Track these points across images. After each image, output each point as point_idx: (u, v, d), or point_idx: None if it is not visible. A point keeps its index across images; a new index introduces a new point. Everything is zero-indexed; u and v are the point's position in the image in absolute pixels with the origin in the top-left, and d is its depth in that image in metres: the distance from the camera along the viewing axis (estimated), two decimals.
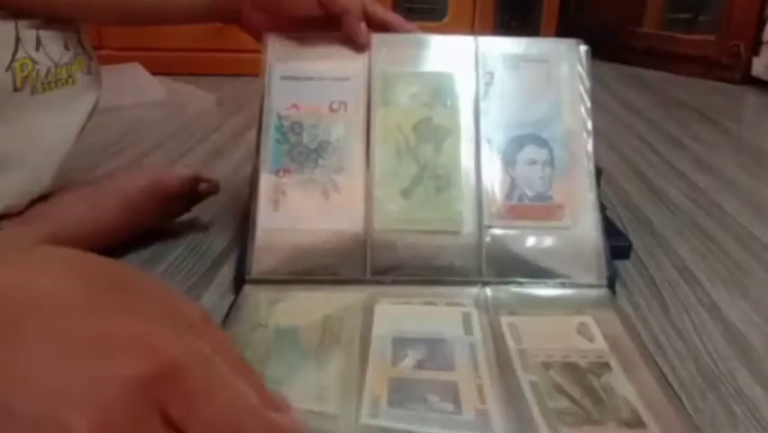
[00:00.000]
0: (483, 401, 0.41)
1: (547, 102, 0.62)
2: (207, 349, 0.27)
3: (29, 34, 0.56)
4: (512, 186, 0.60)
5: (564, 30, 1.61)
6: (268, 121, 0.61)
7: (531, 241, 0.58)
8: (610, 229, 0.58)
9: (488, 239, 0.57)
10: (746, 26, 1.59)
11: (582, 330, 0.50)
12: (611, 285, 0.56)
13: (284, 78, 0.62)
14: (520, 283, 0.56)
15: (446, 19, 1.60)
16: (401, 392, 0.42)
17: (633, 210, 0.78)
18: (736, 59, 1.60)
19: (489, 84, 0.62)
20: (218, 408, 0.26)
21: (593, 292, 0.56)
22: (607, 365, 0.46)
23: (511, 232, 0.58)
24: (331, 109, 0.61)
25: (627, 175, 0.91)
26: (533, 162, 0.60)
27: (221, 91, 1.34)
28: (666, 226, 0.74)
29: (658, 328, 0.53)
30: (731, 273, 0.63)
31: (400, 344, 0.48)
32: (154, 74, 1.32)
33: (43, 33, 0.57)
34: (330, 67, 0.62)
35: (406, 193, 0.59)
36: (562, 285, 0.56)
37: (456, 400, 0.41)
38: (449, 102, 0.62)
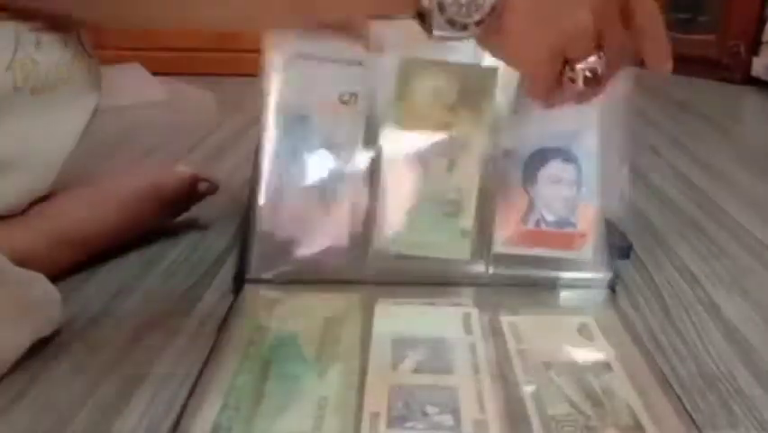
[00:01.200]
0: (483, 410, 0.41)
1: (581, 110, 0.51)
2: None
3: (29, 34, 0.56)
4: (529, 207, 0.54)
5: None
6: (274, 112, 0.55)
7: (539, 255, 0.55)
8: (610, 229, 0.58)
9: (493, 266, 0.55)
10: (746, 26, 1.59)
11: (583, 330, 0.50)
12: (611, 285, 0.56)
13: (292, 57, 0.55)
14: (520, 284, 0.56)
15: None
16: (400, 403, 0.41)
17: (633, 210, 0.78)
18: (736, 59, 1.60)
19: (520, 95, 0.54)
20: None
21: (593, 292, 0.56)
22: (607, 366, 0.46)
23: (520, 260, 0.55)
24: (341, 101, 0.55)
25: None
26: (557, 180, 0.54)
27: (221, 91, 1.34)
28: (666, 226, 0.73)
29: (658, 328, 0.53)
30: (731, 273, 0.63)
31: (400, 345, 0.47)
32: (154, 74, 1.32)
33: (43, 34, 0.57)
34: (341, 47, 0.55)
35: (411, 213, 0.55)
36: (563, 285, 0.56)
37: (455, 411, 0.41)
38: (475, 104, 0.54)
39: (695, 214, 0.78)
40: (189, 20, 0.54)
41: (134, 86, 1.26)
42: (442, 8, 0.42)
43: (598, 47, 0.43)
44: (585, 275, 0.56)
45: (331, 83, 0.55)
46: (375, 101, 0.55)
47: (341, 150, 0.56)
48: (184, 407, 0.41)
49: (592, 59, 0.43)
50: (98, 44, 0.61)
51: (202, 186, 0.66)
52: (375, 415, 0.40)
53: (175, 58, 1.50)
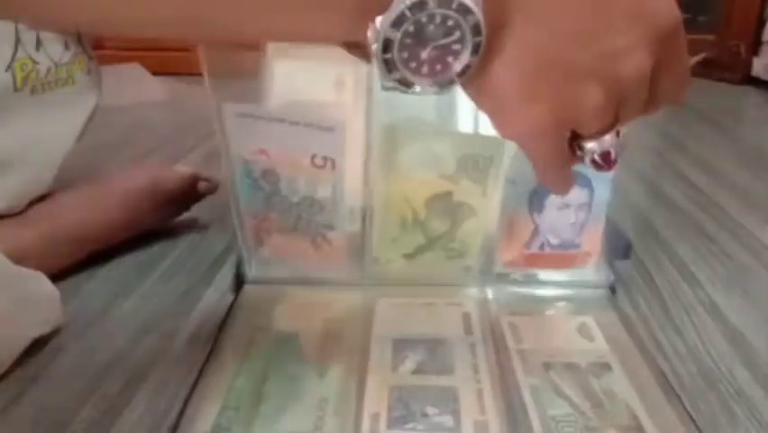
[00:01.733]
0: (483, 411, 0.41)
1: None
2: None
3: (29, 35, 0.56)
4: (534, 233, 0.52)
5: None
6: (233, 162, 0.49)
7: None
8: (610, 229, 0.58)
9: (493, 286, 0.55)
10: (746, 26, 1.59)
11: (583, 330, 0.50)
12: (611, 285, 0.56)
13: (240, 115, 0.46)
14: (520, 283, 0.56)
15: None
16: (400, 404, 0.41)
17: (633, 210, 0.78)
18: (736, 59, 1.60)
19: None
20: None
21: (593, 292, 0.56)
22: (607, 366, 0.46)
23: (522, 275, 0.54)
24: (313, 164, 0.46)
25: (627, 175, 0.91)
26: (565, 206, 0.51)
27: None
28: (666, 226, 0.73)
29: (658, 328, 0.53)
30: (731, 273, 0.63)
31: (400, 345, 0.47)
32: (154, 74, 1.32)
33: (43, 34, 0.57)
34: (304, 108, 0.45)
35: (410, 257, 0.53)
36: (563, 285, 0.56)
37: (455, 412, 0.41)
38: (480, 175, 0.47)
39: (695, 214, 0.78)
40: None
41: (134, 86, 1.26)
42: (390, 66, 0.30)
43: (616, 122, 0.33)
44: (585, 278, 0.56)
45: (298, 142, 0.46)
46: (357, 166, 0.48)
47: (323, 204, 0.49)
48: (184, 407, 0.41)
49: (607, 137, 0.33)
50: (98, 44, 0.61)
51: (202, 185, 0.66)
52: (375, 416, 0.40)
53: (175, 58, 1.50)
